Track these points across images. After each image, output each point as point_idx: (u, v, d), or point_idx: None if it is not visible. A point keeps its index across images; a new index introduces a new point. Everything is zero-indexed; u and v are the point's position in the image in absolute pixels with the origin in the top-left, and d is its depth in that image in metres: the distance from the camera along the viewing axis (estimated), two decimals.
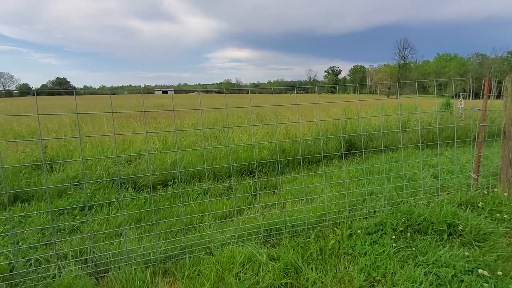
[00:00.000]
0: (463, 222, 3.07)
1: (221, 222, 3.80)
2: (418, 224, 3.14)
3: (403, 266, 2.57)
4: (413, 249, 2.78)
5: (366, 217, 3.47)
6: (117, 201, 4.35)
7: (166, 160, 5.82)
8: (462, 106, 4.26)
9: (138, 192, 4.90)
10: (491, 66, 73.29)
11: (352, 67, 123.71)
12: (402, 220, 3.19)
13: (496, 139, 4.54)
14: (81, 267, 2.69)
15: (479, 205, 3.55)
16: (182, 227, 3.50)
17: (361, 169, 5.68)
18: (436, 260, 2.59)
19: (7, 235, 3.36)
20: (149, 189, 4.83)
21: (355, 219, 3.43)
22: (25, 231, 3.49)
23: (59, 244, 3.22)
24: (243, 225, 3.40)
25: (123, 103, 25.79)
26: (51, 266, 2.69)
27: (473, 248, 2.80)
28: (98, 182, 4.85)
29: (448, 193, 4.00)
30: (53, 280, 2.52)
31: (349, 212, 3.57)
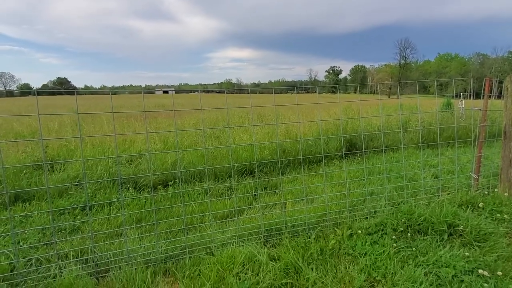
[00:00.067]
0: (463, 222, 3.07)
1: (221, 222, 3.80)
2: (419, 224, 3.14)
3: (404, 266, 2.57)
4: (414, 249, 2.78)
5: (367, 217, 3.47)
6: (117, 201, 4.35)
7: (167, 160, 5.82)
8: (463, 106, 4.25)
9: (139, 192, 4.91)
10: (492, 66, 73.23)
11: (353, 67, 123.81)
12: (403, 220, 3.19)
13: (496, 139, 4.53)
14: (82, 267, 2.69)
15: (480, 205, 3.55)
16: (182, 227, 3.50)
17: (362, 169, 5.67)
18: (436, 260, 2.59)
19: (8, 235, 3.37)
20: (149, 189, 4.84)
21: (356, 219, 3.43)
22: (26, 231, 3.50)
23: (60, 244, 3.23)
24: (244, 225, 3.41)
25: (124, 103, 25.83)
26: (51, 266, 2.69)
27: (473, 248, 2.80)
28: (99, 182, 4.85)
29: (449, 193, 4.00)
30: (54, 280, 2.52)
31: (350, 212, 3.57)
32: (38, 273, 2.63)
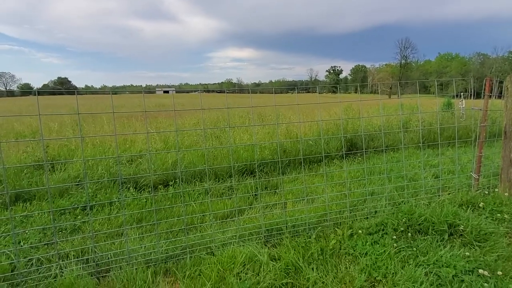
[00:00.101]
0: (464, 222, 3.07)
1: (222, 222, 3.80)
2: (419, 224, 3.14)
3: (404, 266, 2.57)
4: (414, 249, 2.78)
5: (367, 217, 3.47)
6: (118, 200, 4.36)
7: (167, 160, 5.82)
8: (464, 106, 4.25)
9: (139, 192, 4.91)
10: (492, 65, 73.18)
11: (354, 66, 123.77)
12: (403, 220, 3.19)
13: (497, 139, 4.53)
14: (83, 267, 2.69)
15: (480, 205, 3.55)
16: (183, 227, 3.50)
17: (362, 169, 5.67)
18: (437, 260, 2.59)
19: (9, 234, 3.37)
20: (150, 189, 4.84)
21: (356, 219, 3.43)
22: (27, 231, 3.50)
23: (61, 243, 3.23)
24: (244, 225, 3.41)
25: (125, 103, 25.85)
26: (52, 265, 2.70)
27: (473, 248, 2.80)
28: (100, 182, 4.86)
29: (449, 193, 4.00)
30: (55, 280, 2.53)
31: (350, 212, 3.57)
32: (39, 273, 2.64)
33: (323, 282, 2.44)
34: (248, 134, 7.87)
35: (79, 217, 4.00)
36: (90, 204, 4.28)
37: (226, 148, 6.21)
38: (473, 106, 4.29)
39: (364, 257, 2.71)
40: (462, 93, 4.41)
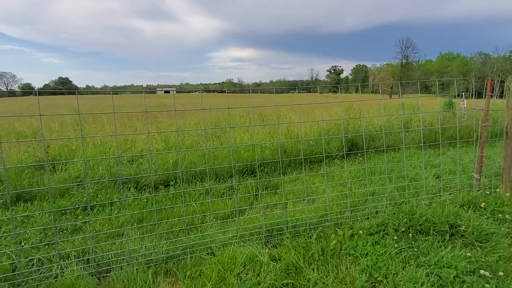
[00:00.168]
0: (465, 223, 3.06)
1: (222, 222, 3.80)
2: (420, 225, 3.13)
3: (405, 266, 2.56)
4: (415, 249, 2.78)
5: (368, 218, 3.47)
6: (119, 201, 4.36)
7: (168, 160, 5.83)
8: (465, 106, 4.24)
9: (140, 192, 4.91)
10: (493, 65, 73.01)
11: (354, 66, 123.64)
12: (404, 220, 3.18)
13: (498, 139, 4.52)
14: (83, 267, 2.70)
15: (481, 205, 3.54)
16: (183, 227, 3.50)
17: (363, 169, 5.66)
18: (438, 261, 2.58)
19: (10, 235, 3.38)
20: (151, 189, 4.84)
21: (357, 220, 3.42)
22: (28, 231, 3.50)
23: (62, 244, 3.24)
24: (245, 225, 3.40)
25: (126, 103, 25.89)
26: (53, 266, 2.70)
27: (475, 248, 2.79)
28: (100, 182, 4.86)
29: (450, 194, 3.99)
30: (56, 280, 2.53)
31: (351, 213, 3.57)
32: (40, 273, 2.64)
33: (323, 283, 2.43)
34: (248, 134, 7.87)
35: (80, 217, 4.00)
36: (91, 204, 4.28)
37: (227, 148, 6.21)
38: (474, 106, 4.28)
39: (365, 257, 2.71)
40: (463, 93, 4.39)
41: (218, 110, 12.16)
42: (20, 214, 4.00)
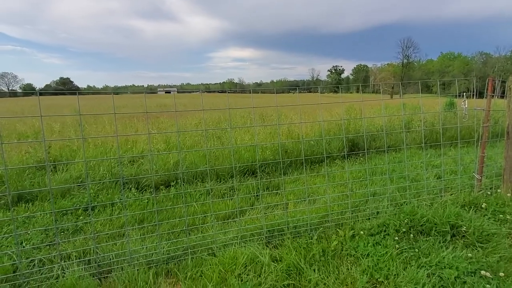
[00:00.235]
0: (466, 223, 3.06)
1: (223, 222, 3.80)
2: (421, 225, 3.13)
3: (406, 267, 2.56)
4: (416, 250, 2.78)
5: (369, 218, 3.46)
6: (120, 201, 4.36)
7: (169, 160, 5.83)
8: (466, 106, 4.23)
9: (141, 192, 4.91)
10: (495, 65, 72.87)
11: (355, 66, 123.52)
12: (405, 221, 3.18)
13: (500, 139, 4.51)
14: (84, 268, 2.70)
15: (483, 206, 3.53)
16: (184, 228, 3.51)
17: (364, 170, 5.66)
18: (439, 262, 2.58)
19: (11, 235, 3.39)
20: (152, 190, 4.84)
21: (358, 220, 3.42)
22: (29, 232, 3.51)
23: (63, 244, 3.24)
24: (246, 226, 3.40)
25: (127, 103, 25.92)
26: (54, 266, 2.70)
27: (476, 249, 2.79)
28: (101, 183, 4.87)
29: (452, 194, 3.98)
30: (57, 281, 2.53)
31: (352, 213, 3.56)
32: (41, 274, 2.64)
33: (324, 284, 2.43)
34: (249, 135, 7.87)
35: (81, 217, 4.00)
36: (92, 204, 4.29)
37: (228, 149, 6.21)
38: (475, 106, 4.27)
39: (366, 258, 2.71)
40: (464, 93, 4.38)
41: (219, 110, 12.16)
42: (21, 214, 4.01)
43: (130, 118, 10.79)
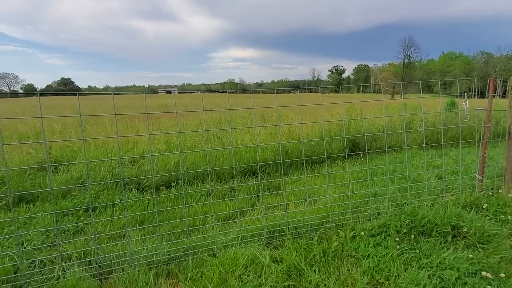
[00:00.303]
0: (467, 224, 3.05)
1: (224, 223, 3.80)
2: (422, 226, 3.12)
3: (407, 268, 2.56)
4: (417, 251, 2.77)
5: (370, 219, 3.46)
6: (120, 202, 4.37)
7: (170, 161, 5.83)
8: (467, 106, 4.22)
9: (142, 193, 4.92)
10: (496, 64, 72.65)
11: (356, 66, 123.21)
12: (406, 222, 3.17)
13: (501, 139, 4.50)
14: (85, 269, 2.70)
15: (484, 206, 3.52)
16: (185, 229, 3.51)
17: (365, 170, 5.65)
18: (440, 263, 2.57)
19: (12, 236, 3.39)
20: (152, 190, 4.85)
21: (359, 221, 3.42)
22: (30, 233, 3.52)
23: (64, 245, 3.24)
24: (246, 227, 3.40)
25: (127, 103, 25.96)
26: (55, 267, 2.71)
27: (477, 250, 2.78)
28: (102, 183, 4.87)
29: (453, 194, 3.97)
30: (57, 282, 2.53)
31: (353, 214, 3.56)
32: (42, 275, 2.65)
33: (325, 285, 2.43)
34: (250, 135, 7.87)
35: (81, 218, 4.01)
36: (93, 205, 4.29)
37: (228, 149, 6.21)
38: (477, 107, 4.26)
39: (366, 259, 2.70)
40: (465, 93, 4.37)
41: (220, 110, 12.16)
42: (22, 215, 4.02)
43: (131, 118, 10.80)
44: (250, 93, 4.23)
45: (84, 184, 4.89)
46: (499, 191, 3.97)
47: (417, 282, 2.36)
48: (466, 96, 4.26)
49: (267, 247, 3.03)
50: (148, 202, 4.48)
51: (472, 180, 4.48)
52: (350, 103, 11.85)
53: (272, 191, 4.95)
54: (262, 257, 2.73)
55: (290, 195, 4.71)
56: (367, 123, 8.89)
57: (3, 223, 3.77)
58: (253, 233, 3.22)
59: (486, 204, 3.54)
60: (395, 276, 2.46)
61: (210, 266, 2.68)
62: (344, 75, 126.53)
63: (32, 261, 2.87)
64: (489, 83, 4.00)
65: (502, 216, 3.33)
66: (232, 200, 4.56)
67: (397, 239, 2.95)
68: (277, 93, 6.12)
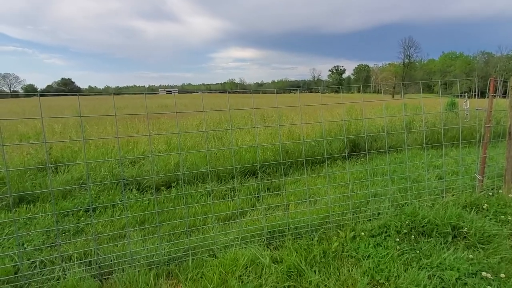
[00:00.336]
0: (467, 224, 3.05)
1: (224, 224, 3.81)
2: (422, 226, 3.12)
3: (407, 269, 2.56)
4: (417, 251, 2.77)
5: (370, 219, 3.46)
6: (121, 202, 4.37)
7: (170, 162, 5.83)
8: (468, 106, 4.21)
9: (142, 193, 4.92)
10: (496, 64, 72.61)
11: (357, 66, 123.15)
12: (406, 222, 3.17)
13: (501, 139, 4.50)
14: (85, 269, 2.71)
15: (484, 206, 3.52)
16: (185, 229, 3.51)
17: (365, 170, 5.65)
18: (440, 263, 2.57)
19: (12, 237, 3.40)
20: (152, 191, 4.85)
21: (359, 221, 3.42)
22: (30, 233, 3.52)
23: (64, 246, 3.25)
24: (246, 227, 3.40)
25: (128, 104, 25.99)
26: (55, 268, 2.71)
27: (477, 250, 2.78)
28: (102, 184, 4.87)
29: (453, 195, 3.97)
30: (58, 282, 2.54)
31: (353, 214, 3.56)
32: (42, 275, 2.65)
33: (325, 285, 2.43)
34: (250, 135, 7.87)
35: (82, 219, 4.01)
36: (93, 206, 4.30)
37: (229, 150, 6.21)
38: (477, 107, 4.26)
39: (366, 259, 2.70)
40: (466, 93, 4.37)
41: (220, 110, 12.17)
42: (22, 216, 4.02)
43: (131, 119, 10.80)
44: (250, 93, 4.23)
45: (84, 185, 4.89)
46: (500, 191, 3.97)
47: (417, 283, 2.36)
48: (466, 96, 4.26)
49: (267, 247, 3.04)
50: (149, 203, 4.48)
51: (473, 181, 4.47)
52: (350, 103, 11.85)
53: (273, 192, 4.95)
54: (262, 257, 2.73)
55: (291, 196, 4.71)
56: (367, 123, 8.89)
57: (4, 224, 3.77)
58: (253, 234, 3.22)
59: (487, 205, 3.54)
60: (395, 276, 2.46)
61: (210, 266, 2.68)
62: (345, 75, 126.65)
63: (33, 261, 2.87)
64: (489, 83, 4.00)
65: (503, 216, 3.32)
66: (232, 200, 4.57)
67: (397, 239, 2.95)
68: (277, 93, 6.11)
